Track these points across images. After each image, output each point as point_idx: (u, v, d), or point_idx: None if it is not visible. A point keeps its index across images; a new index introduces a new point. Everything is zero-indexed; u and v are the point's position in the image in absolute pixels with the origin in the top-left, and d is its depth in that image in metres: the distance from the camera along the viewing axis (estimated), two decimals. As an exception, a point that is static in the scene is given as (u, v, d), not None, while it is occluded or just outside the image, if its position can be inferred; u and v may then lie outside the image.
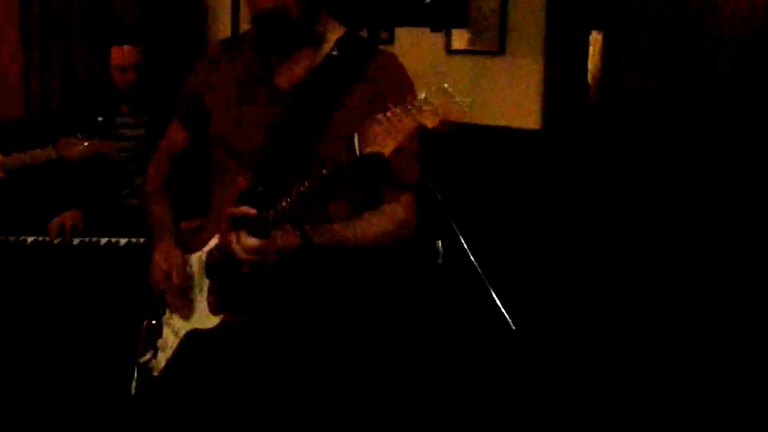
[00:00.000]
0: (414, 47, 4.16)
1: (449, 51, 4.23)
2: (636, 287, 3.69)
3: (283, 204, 1.82)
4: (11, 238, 3.36)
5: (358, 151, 1.66)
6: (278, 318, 2.07)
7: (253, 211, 1.89)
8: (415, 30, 3.79)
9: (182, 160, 2.34)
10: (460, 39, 4.18)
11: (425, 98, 1.60)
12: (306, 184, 1.76)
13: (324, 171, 1.73)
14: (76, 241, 3.38)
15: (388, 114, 1.63)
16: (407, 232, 2.12)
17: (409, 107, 1.60)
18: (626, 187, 3.84)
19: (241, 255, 1.87)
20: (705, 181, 3.64)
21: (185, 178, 2.35)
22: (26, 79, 4.27)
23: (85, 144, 3.27)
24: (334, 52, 2.10)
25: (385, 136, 1.62)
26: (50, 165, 3.33)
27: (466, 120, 1.69)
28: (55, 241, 3.37)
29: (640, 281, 3.70)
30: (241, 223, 1.90)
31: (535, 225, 3.92)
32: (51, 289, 3.30)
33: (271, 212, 1.85)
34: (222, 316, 2.05)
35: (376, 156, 1.64)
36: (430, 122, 1.59)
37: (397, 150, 1.64)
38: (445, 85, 1.61)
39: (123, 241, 3.36)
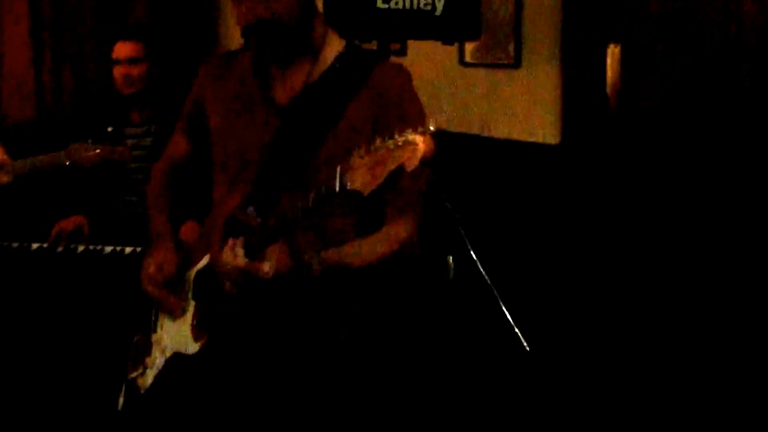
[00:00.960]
0: (427, 59, 4.12)
1: (463, 63, 4.18)
2: (659, 307, 3.62)
3: (272, 228, 1.81)
4: (15, 245, 3.36)
5: (338, 186, 1.64)
6: (262, 345, 2.04)
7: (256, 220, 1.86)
8: (427, 41, 3.76)
9: (185, 171, 2.33)
10: (474, 51, 4.13)
11: (409, 136, 1.57)
12: (287, 212, 1.74)
13: (307, 203, 1.71)
14: (80, 248, 3.38)
15: (372, 147, 1.60)
16: (408, 252, 2.09)
17: (391, 146, 1.58)
18: (648, 202, 3.76)
19: (226, 270, 1.85)
20: (730, 194, 3.56)
21: (188, 188, 2.34)
22: (38, 77, 4.27)
23: (97, 151, 3.27)
24: (336, 65, 2.06)
25: (365, 173, 1.60)
26: (60, 170, 3.33)
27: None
28: (59, 249, 3.36)
29: (664, 301, 3.63)
30: (236, 231, 1.87)
31: (553, 242, 3.86)
32: (54, 298, 3.29)
33: (262, 234, 1.83)
34: (203, 341, 2.03)
35: (356, 192, 1.61)
36: (409, 164, 1.57)
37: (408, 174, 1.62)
38: (431, 124, 1.59)
39: (128, 249, 3.35)
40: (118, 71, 3.63)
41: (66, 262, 3.36)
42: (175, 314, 2.11)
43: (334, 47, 2.10)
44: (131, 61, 3.61)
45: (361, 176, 1.60)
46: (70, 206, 3.51)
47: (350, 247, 2.01)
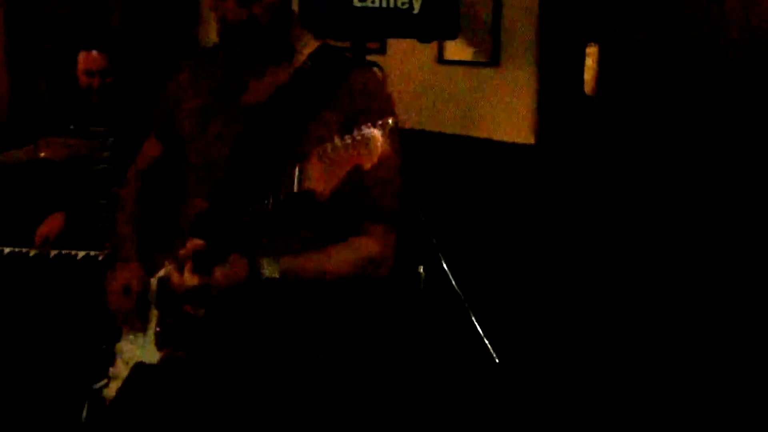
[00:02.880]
0: (406, 57, 4.08)
1: (442, 61, 4.14)
2: (635, 313, 3.58)
3: (234, 235, 1.76)
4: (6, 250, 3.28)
5: (296, 187, 1.58)
6: (225, 355, 1.98)
7: (200, 244, 1.81)
8: (407, 40, 3.71)
9: (158, 177, 2.27)
10: (453, 49, 4.08)
11: (370, 133, 1.52)
12: (247, 217, 1.69)
13: (265, 204, 1.66)
14: (52, 253, 3.30)
15: (330, 148, 1.55)
16: (380, 266, 2.03)
17: (349, 142, 1.52)
18: (625, 204, 3.73)
19: (183, 286, 1.81)
20: (707, 197, 3.53)
21: (161, 195, 2.29)
22: (14, 83, 4.22)
23: (67, 144, 3.20)
24: (308, 67, 2.02)
25: (323, 173, 1.55)
26: (31, 169, 3.26)
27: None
28: (31, 253, 3.29)
29: (637, 306, 3.60)
30: (188, 257, 1.83)
31: (528, 246, 3.82)
32: (24, 303, 3.21)
33: (223, 242, 1.78)
34: (165, 351, 1.98)
35: (312, 193, 1.56)
36: (366, 162, 1.51)
37: (376, 181, 1.57)
38: (390, 120, 1.53)
39: (101, 255, 3.28)
40: (85, 80, 3.61)
41: (38, 267, 3.28)
42: (138, 326, 2.06)
43: (308, 50, 2.06)
44: (97, 72, 3.59)
45: (318, 176, 1.56)
46: (44, 207, 3.44)
47: (313, 255, 1.96)
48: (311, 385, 2.05)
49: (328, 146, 1.56)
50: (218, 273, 1.79)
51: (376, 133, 1.52)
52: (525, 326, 3.57)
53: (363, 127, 1.54)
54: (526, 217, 3.85)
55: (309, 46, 2.06)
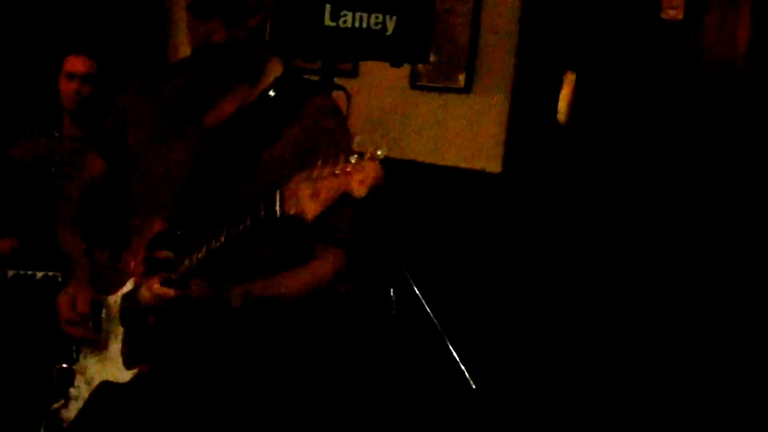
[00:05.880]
0: (378, 81, 4.04)
1: (414, 86, 4.11)
2: (605, 338, 3.56)
3: (197, 257, 1.70)
4: None
5: (278, 212, 1.53)
6: (194, 372, 1.94)
7: (170, 255, 1.75)
8: (380, 63, 3.68)
9: (98, 191, 2.20)
10: (426, 75, 4.05)
11: (357, 162, 1.48)
12: (218, 240, 1.64)
13: (239, 227, 1.61)
14: (10, 273, 3.21)
15: (315, 173, 1.51)
16: (335, 288, 2.00)
17: (338, 171, 1.49)
18: (590, 230, 3.71)
19: (148, 303, 1.74)
20: (680, 229, 3.52)
21: (102, 209, 2.21)
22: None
23: (30, 142, 3.13)
24: (270, 92, 1.99)
25: (308, 199, 1.50)
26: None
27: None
28: (10, 273, 3.20)
29: (608, 331, 3.57)
30: (156, 268, 1.77)
31: (494, 273, 3.78)
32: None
33: (186, 262, 1.72)
34: (136, 370, 1.91)
35: (297, 219, 1.52)
36: (357, 190, 1.47)
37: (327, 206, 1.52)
38: (379, 151, 1.49)
39: (60, 276, 3.19)
40: (68, 85, 3.51)
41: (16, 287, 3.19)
42: (100, 345, 1.99)
43: (273, 73, 2.02)
44: (84, 78, 3.51)
45: (303, 201, 1.52)
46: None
47: (275, 279, 1.92)
48: (280, 403, 2.02)
49: (313, 171, 1.52)
50: (193, 288, 1.74)
51: (368, 164, 1.48)
52: (499, 352, 3.53)
53: (352, 156, 1.50)
54: (495, 244, 3.82)
55: (274, 70, 2.03)
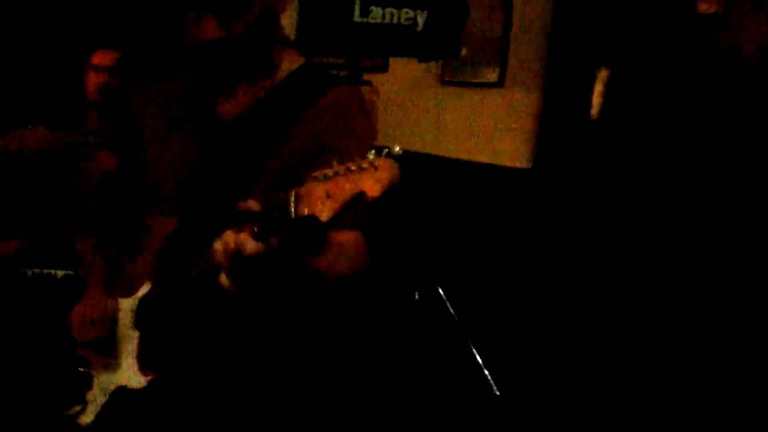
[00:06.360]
0: (408, 75, 3.99)
1: (444, 81, 4.05)
2: (638, 342, 3.48)
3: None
4: None
5: (293, 213, 1.48)
6: (213, 376, 1.90)
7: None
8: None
9: (111, 189, 2.17)
10: (456, 70, 3.99)
11: (373, 161, 1.42)
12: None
13: (254, 229, 1.55)
14: (29, 272, 3.19)
15: (330, 173, 1.46)
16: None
17: (353, 168, 1.43)
18: (628, 231, 3.64)
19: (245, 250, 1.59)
20: (713, 224, 3.44)
21: (114, 208, 2.18)
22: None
23: (39, 134, 3.12)
24: (285, 83, 1.94)
25: (323, 200, 1.45)
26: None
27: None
28: (29, 273, 3.19)
29: (641, 334, 3.49)
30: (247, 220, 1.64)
31: (525, 273, 3.72)
32: (15, 326, 3.10)
33: (201, 263, 1.68)
34: (151, 375, 1.88)
35: (312, 219, 1.46)
36: (371, 190, 1.42)
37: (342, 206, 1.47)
38: (397, 147, 1.44)
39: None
40: (95, 78, 3.59)
41: (15, 288, 3.17)
42: (114, 351, 1.97)
43: (289, 66, 1.97)
44: (111, 70, 3.61)
45: (317, 202, 1.47)
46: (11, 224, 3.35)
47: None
48: (300, 409, 1.99)
49: (327, 170, 1.47)
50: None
51: (382, 163, 1.43)
52: (526, 356, 3.47)
53: (368, 154, 1.45)
54: (526, 243, 3.76)
55: (290, 62, 1.98)
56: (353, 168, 1.45)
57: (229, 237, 1.60)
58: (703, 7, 3.46)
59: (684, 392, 3.32)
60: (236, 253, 1.58)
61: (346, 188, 1.45)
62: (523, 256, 3.75)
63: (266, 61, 1.94)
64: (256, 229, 1.59)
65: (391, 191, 1.44)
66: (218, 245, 1.63)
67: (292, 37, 2.91)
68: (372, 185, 1.43)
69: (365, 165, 1.44)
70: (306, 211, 1.48)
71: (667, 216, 3.55)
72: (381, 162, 1.44)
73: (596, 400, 3.37)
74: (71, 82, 3.70)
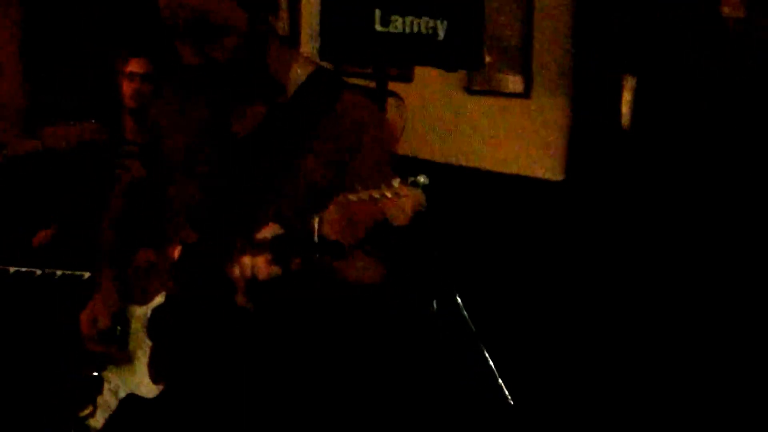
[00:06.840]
0: (433, 85, 3.98)
1: (470, 90, 4.04)
2: (664, 355, 3.43)
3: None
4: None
5: (316, 237, 1.50)
6: (227, 386, 1.91)
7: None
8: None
9: (139, 197, 2.20)
10: (482, 78, 3.98)
11: (398, 189, 1.44)
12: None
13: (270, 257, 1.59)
14: (58, 272, 3.24)
15: (354, 198, 1.47)
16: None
17: (376, 196, 1.44)
18: (663, 243, 3.58)
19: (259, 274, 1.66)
20: (748, 236, 3.38)
21: (139, 216, 2.21)
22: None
23: (71, 130, 3.17)
24: (296, 95, 1.92)
25: (346, 225, 1.47)
26: (34, 159, 3.19)
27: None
28: (38, 272, 3.23)
29: (668, 346, 3.43)
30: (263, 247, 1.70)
31: (555, 287, 3.68)
32: (28, 326, 3.15)
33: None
34: (163, 385, 1.90)
35: (335, 243, 1.49)
36: (394, 218, 1.43)
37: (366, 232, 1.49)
38: (422, 178, 1.45)
39: None
40: (129, 86, 3.69)
41: (45, 287, 3.22)
42: (125, 359, 1.99)
43: (300, 77, 1.94)
44: (144, 77, 3.70)
45: (341, 227, 1.49)
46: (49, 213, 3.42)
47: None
48: (313, 418, 1.98)
49: (352, 197, 1.48)
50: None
51: (407, 191, 1.45)
52: (543, 368, 3.44)
53: (393, 181, 1.46)
54: (557, 256, 3.71)
55: (299, 70, 1.95)
56: (377, 196, 1.46)
57: (246, 262, 1.64)
58: (726, 11, 3.42)
59: (711, 412, 3.27)
60: (253, 278, 1.63)
61: (370, 215, 1.46)
62: (559, 268, 3.70)
63: (266, 71, 1.91)
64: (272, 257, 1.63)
65: (415, 219, 1.45)
66: (236, 271, 1.66)
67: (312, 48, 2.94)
68: (396, 214, 1.44)
69: (389, 194, 1.45)
70: (330, 236, 1.50)
71: (707, 229, 3.48)
72: (406, 191, 1.45)
73: (615, 415, 3.33)
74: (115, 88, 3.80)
